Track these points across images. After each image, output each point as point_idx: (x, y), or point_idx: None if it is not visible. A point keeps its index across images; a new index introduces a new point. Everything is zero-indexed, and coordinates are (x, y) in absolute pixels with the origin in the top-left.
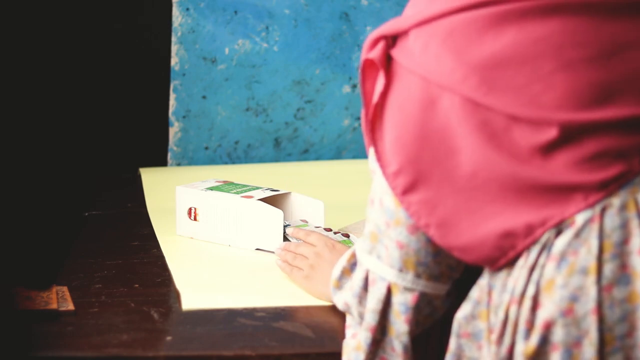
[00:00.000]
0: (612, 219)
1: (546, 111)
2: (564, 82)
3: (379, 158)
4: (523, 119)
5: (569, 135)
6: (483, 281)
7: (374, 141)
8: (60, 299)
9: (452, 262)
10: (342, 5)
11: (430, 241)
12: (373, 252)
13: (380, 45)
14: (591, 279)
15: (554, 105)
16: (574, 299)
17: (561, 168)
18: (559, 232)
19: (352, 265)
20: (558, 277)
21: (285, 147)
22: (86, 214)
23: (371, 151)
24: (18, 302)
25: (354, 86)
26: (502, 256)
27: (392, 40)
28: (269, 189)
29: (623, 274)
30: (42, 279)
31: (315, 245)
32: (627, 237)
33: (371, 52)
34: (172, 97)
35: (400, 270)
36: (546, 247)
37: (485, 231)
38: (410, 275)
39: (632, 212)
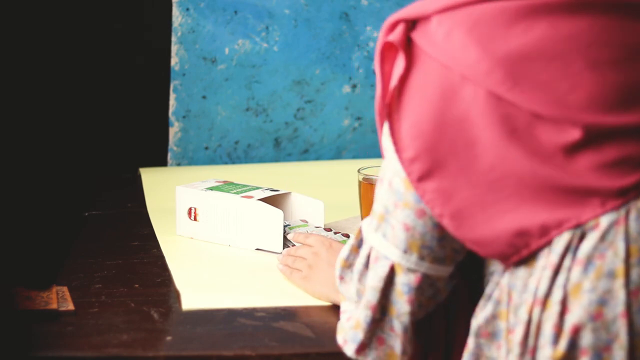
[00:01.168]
0: (636, 222)
1: (571, 111)
2: (591, 83)
3: (395, 142)
4: (547, 117)
5: (592, 138)
6: (503, 281)
7: (391, 124)
8: (60, 299)
9: (457, 246)
10: (342, 5)
11: (436, 226)
12: (379, 230)
13: (400, 28)
14: (619, 282)
15: (579, 106)
16: (602, 302)
17: (582, 171)
18: (583, 235)
19: (360, 242)
20: (585, 281)
21: (285, 147)
22: (86, 214)
23: (385, 130)
24: (18, 302)
25: (354, 86)
26: (515, 254)
27: (412, 24)
28: (269, 189)
29: None
30: (42, 279)
31: (313, 246)
32: None
33: (391, 35)
34: (172, 97)
35: (405, 252)
36: (570, 249)
37: (500, 227)
38: (414, 257)
39: None
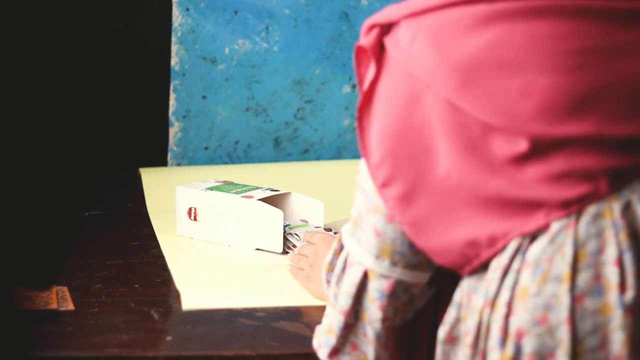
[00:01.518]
0: (587, 227)
1: (518, 121)
2: (542, 91)
3: (364, 146)
4: (495, 127)
5: (540, 149)
6: (464, 283)
7: (361, 128)
8: (60, 299)
9: None
10: (342, 5)
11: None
12: (354, 235)
13: (374, 33)
14: (565, 287)
15: (527, 116)
16: (547, 307)
17: (529, 182)
18: (534, 238)
19: (341, 245)
20: (532, 284)
21: (285, 147)
22: (86, 214)
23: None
24: (18, 302)
25: (354, 86)
26: (467, 264)
27: (387, 27)
28: (269, 189)
29: (596, 284)
30: (42, 279)
31: (315, 244)
32: (602, 247)
33: (364, 39)
34: (172, 97)
35: (377, 257)
36: (520, 251)
37: (453, 237)
38: (386, 263)
39: (607, 221)
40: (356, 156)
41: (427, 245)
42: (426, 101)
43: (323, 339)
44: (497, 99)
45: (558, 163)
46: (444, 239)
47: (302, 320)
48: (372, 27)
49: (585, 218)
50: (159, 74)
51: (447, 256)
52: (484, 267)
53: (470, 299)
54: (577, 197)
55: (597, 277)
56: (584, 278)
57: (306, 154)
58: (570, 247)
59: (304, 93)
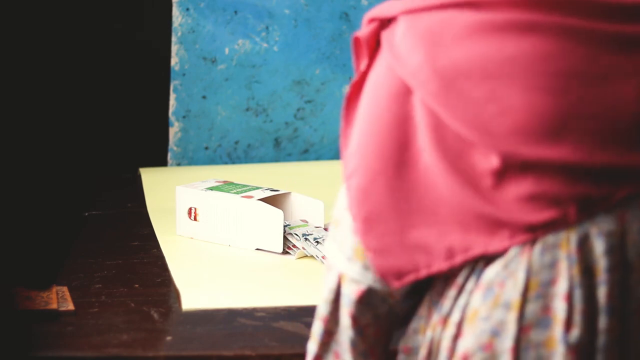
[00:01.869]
0: (541, 256)
1: (492, 137)
2: (519, 109)
3: (344, 137)
4: (468, 138)
5: (510, 168)
6: (427, 296)
7: (346, 119)
8: (60, 299)
9: None
10: (342, 5)
11: None
12: (334, 237)
13: (372, 26)
14: (513, 315)
15: (502, 133)
16: (495, 333)
17: (498, 200)
18: (490, 260)
19: None
20: (482, 308)
21: (285, 147)
22: (86, 214)
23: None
24: (18, 302)
25: None
26: (413, 271)
27: (386, 22)
28: (269, 189)
29: (544, 316)
30: (42, 279)
31: None
32: (554, 278)
33: (362, 30)
34: (172, 97)
35: (349, 259)
36: (475, 271)
37: (406, 239)
38: (357, 266)
39: (563, 252)
40: None
41: (374, 244)
42: (405, 99)
43: (308, 346)
44: (474, 110)
45: (528, 184)
46: (396, 240)
47: (302, 320)
48: (371, 20)
49: (540, 246)
50: (159, 74)
51: (392, 259)
52: (446, 281)
53: (430, 312)
54: (542, 222)
55: (546, 309)
56: (532, 308)
57: (306, 154)
58: (522, 274)
59: (304, 93)
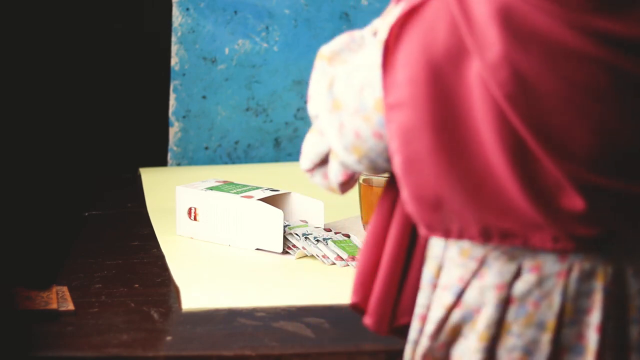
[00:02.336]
0: (578, 283)
1: (567, 153)
2: (596, 131)
3: (390, 54)
4: (534, 143)
5: (570, 184)
6: (448, 254)
7: (390, 40)
8: (60, 299)
9: None
10: (342, 5)
11: (386, 149)
12: (333, 113)
13: None
14: (548, 337)
15: (576, 153)
16: (527, 351)
17: (547, 206)
18: (518, 274)
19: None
20: (514, 324)
21: (285, 147)
22: (86, 214)
23: (375, 39)
24: (18, 302)
25: None
26: (442, 231)
27: None
28: (269, 189)
29: (577, 343)
30: (42, 279)
31: None
32: (589, 307)
33: None
34: (172, 97)
35: (346, 149)
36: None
37: (445, 199)
38: (352, 158)
39: (599, 284)
40: None
41: (411, 189)
42: (467, 68)
43: (303, 153)
44: (546, 121)
45: (582, 201)
46: (433, 194)
47: (302, 320)
48: None
49: (577, 273)
50: (159, 74)
51: (425, 211)
52: (466, 254)
53: (440, 276)
54: (587, 235)
55: (580, 337)
56: (567, 333)
57: None
58: (558, 297)
59: (304, 93)
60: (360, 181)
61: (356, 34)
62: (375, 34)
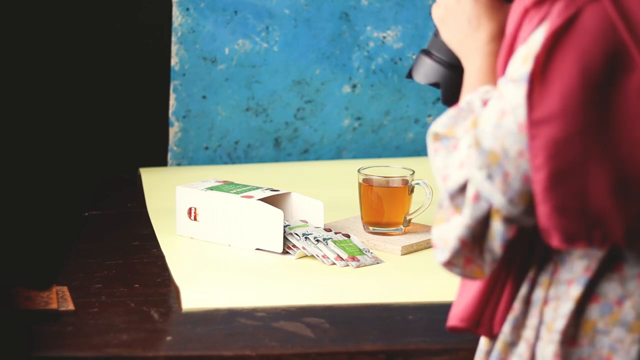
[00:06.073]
0: None
1: None
2: None
3: (535, 84)
4: None
5: None
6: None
7: (539, 66)
8: (60, 299)
9: None
10: (342, 5)
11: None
12: (485, 169)
13: None
14: (633, 337)
15: None
16: (613, 349)
17: None
18: (599, 273)
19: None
20: (600, 322)
21: (285, 147)
22: (86, 214)
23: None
24: (18, 302)
25: (354, 86)
26: (585, 240)
27: None
28: (269, 189)
29: None
30: (42, 279)
31: None
32: None
33: None
34: (172, 97)
35: (511, 201)
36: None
37: (591, 206)
38: (519, 209)
39: None
40: (356, 156)
41: (556, 203)
42: (625, 77)
43: (436, 256)
44: None
45: None
46: (578, 203)
47: (302, 320)
48: None
49: None
50: (159, 74)
51: (569, 221)
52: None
53: (557, 268)
54: None
55: None
56: None
57: (306, 154)
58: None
59: (304, 93)
60: (360, 180)
61: (461, 104)
62: (484, 102)
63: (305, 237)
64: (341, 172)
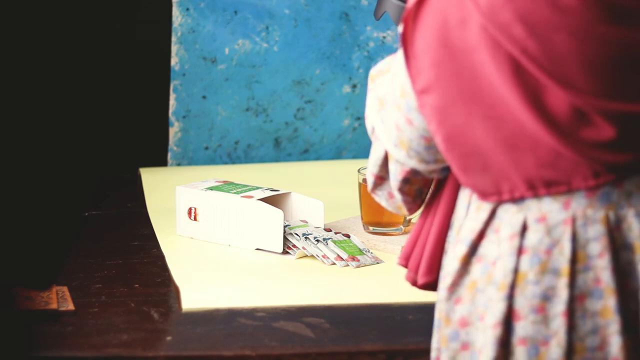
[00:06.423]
0: (584, 229)
1: (574, 88)
2: (600, 66)
3: (410, 43)
4: (551, 81)
5: (591, 115)
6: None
7: (406, 30)
8: (60, 299)
9: None
10: (342, 5)
11: (422, 137)
12: (380, 113)
13: None
14: (563, 281)
15: (582, 85)
16: (546, 297)
17: (576, 142)
18: (525, 225)
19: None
20: (530, 272)
21: (285, 147)
22: (86, 214)
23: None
24: (18, 302)
25: (354, 86)
26: (496, 194)
27: None
28: (269, 189)
29: (596, 287)
30: (42, 279)
31: None
32: (601, 252)
33: None
34: (172, 97)
35: (395, 146)
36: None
37: (489, 163)
38: (402, 153)
39: (605, 227)
40: (356, 156)
41: (458, 163)
42: (469, 28)
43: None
44: (559, 62)
45: (607, 130)
46: (477, 162)
47: (302, 320)
48: None
49: (582, 220)
50: (159, 74)
51: (475, 178)
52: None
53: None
54: (625, 162)
55: (597, 281)
56: (583, 279)
57: (306, 154)
58: (568, 244)
59: (304, 93)
60: (360, 180)
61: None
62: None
63: (305, 237)
64: (341, 172)
